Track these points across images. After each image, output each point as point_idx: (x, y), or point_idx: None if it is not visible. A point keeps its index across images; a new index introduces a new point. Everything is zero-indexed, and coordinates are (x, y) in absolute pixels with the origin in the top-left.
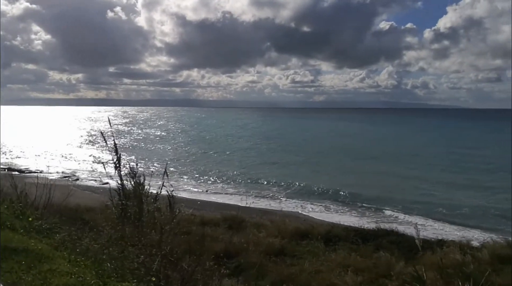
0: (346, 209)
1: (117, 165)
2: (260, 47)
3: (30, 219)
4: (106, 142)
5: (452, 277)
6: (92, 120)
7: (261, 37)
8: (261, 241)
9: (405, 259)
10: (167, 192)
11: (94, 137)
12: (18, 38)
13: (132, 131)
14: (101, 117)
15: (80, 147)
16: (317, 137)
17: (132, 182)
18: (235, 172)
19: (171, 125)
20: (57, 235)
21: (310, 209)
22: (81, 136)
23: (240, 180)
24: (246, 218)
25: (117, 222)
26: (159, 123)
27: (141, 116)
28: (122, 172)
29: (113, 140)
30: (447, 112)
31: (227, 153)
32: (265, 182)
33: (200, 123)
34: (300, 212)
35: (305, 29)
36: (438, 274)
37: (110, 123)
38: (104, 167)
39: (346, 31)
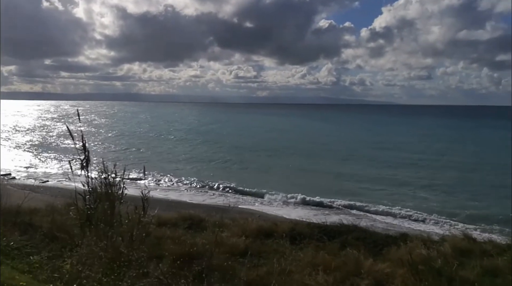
0: (291, 203)
1: (85, 163)
2: (203, 42)
3: None
4: (73, 138)
5: (423, 273)
6: (23, 115)
7: (204, 31)
8: (225, 241)
9: (372, 256)
10: (142, 193)
11: (23, 132)
12: None
13: (54, 126)
14: (31, 112)
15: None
16: (252, 133)
17: (102, 183)
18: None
19: (99, 120)
20: (32, 257)
21: (258, 204)
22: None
23: (172, 176)
24: (205, 217)
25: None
26: (87, 118)
27: (72, 110)
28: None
29: (82, 136)
30: (382, 108)
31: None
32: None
33: (134, 118)
34: (251, 208)
35: (248, 24)
36: (409, 270)
37: (79, 117)
38: (71, 166)
39: (288, 28)
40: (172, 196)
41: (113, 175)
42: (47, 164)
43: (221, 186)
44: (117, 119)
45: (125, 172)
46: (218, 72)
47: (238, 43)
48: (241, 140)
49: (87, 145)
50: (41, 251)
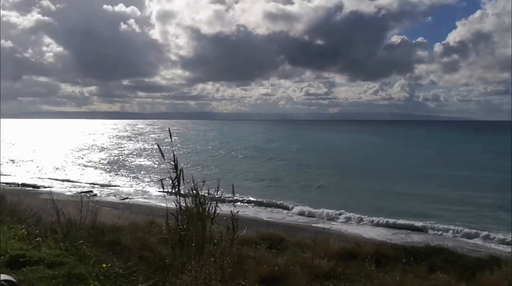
0: (370, 222)
1: (177, 182)
2: (274, 60)
3: (104, 265)
4: (162, 154)
5: None
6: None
7: (275, 50)
8: (307, 262)
9: (465, 281)
10: (231, 213)
11: (106, 150)
12: (30, 51)
13: (121, 144)
14: (108, 131)
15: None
16: (320, 150)
17: (193, 201)
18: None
19: (165, 138)
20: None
21: (334, 223)
22: (92, 148)
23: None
24: (285, 236)
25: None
26: (160, 136)
27: (146, 129)
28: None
29: (174, 155)
30: (457, 124)
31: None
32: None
33: (204, 136)
34: (329, 227)
35: (319, 42)
36: None
37: (170, 135)
38: (162, 185)
39: (359, 44)
40: (249, 213)
41: (204, 194)
42: (124, 181)
43: (290, 205)
44: (188, 137)
45: (210, 190)
46: (289, 90)
47: (309, 60)
48: (309, 158)
49: (143, 163)
50: (143, 277)
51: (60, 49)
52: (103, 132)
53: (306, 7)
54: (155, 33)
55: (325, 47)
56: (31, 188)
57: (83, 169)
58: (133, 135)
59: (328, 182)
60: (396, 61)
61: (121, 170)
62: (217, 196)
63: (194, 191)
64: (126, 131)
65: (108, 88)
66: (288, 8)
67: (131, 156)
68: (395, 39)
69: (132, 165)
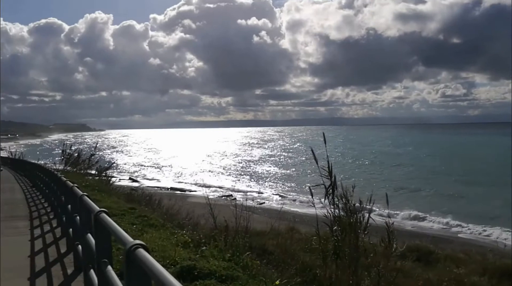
0: None
1: (331, 190)
2: (406, 62)
3: (277, 282)
4: (316, 162)
5: None
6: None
7: (407, 51)
8: (462, 279)
9: None
10: (386, 224)
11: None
12: (174, 66)
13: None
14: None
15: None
16: (453, 155)
17: (344, 211)
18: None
19: (292, 145)
20: None
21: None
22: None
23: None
24: (434, 249)
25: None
26: (276, 143)
27: (275, 136)
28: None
29: (328, 162)
30: None
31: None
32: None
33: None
34: (474, 239)
35: (455, 40)
36: None
37: (325, 141)
38: (311, 193)
39: (502, 40)
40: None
41: (356, 204)
42: (254, 186)
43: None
44: (316, 144)
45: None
46: (423, 92)
47: (444, 60)
48: (439, 163)
49: (271, 169)
50: None
51: (200, 63)
52: (236, 139)
53: (439, 4)
54: (285, 43)
55: (462, 45)
56: (179, 192)
57: (217, 174)
58: (263, 142)
59: (467, 191)
60: None
61: (250, 176)
62: (368, 206)
63: (344, 200)
64: (255, 138)
65: (243, 98)
66: (420, 7)
67: (257, 162)
68: None
69: (258, 171)
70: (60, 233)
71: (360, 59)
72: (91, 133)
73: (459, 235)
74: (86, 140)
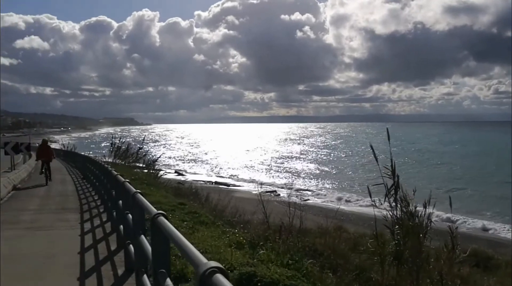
0: None
1: (394, 190)
2: (456, 57)
3: None
4: (376, 158)
5: None
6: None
7: (457, 46)
8: None
9: None
10: (450, 228)
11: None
12: (218, 62)
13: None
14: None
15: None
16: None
17: (404, 213)
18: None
19: (329, 142)
20: None
21: None
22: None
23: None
24: (493, 254)
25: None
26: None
27: (317, 131)
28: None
29: (391, 160)
30: None
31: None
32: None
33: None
34: None
35: (509, 34)
36: None
37: (389, 138)
38: (370, 194)
39: None
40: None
41: (417, 206)
42: (301, 182)
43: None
44: (358, 140)
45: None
46: (474, 88)
47: (497, 55)
48: (486, 163)
49: (310, 165)
50: None
51: (243, 59)
52: (277, 135)
53: None
54: (329, 38)
55: None
56: (223, 186)
57: (258, 170)
58: (304, 138)
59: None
60: None
61: (290, 172)
62: (429, 209)
63: (404, 202)
64: (295, 134)
65: (286, 94)
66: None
67: (297, 158)
68: None
69: (298, 167)
70: (110, 228)
71: (407, 54)
72: (138, 127)
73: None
74: (131, 134)
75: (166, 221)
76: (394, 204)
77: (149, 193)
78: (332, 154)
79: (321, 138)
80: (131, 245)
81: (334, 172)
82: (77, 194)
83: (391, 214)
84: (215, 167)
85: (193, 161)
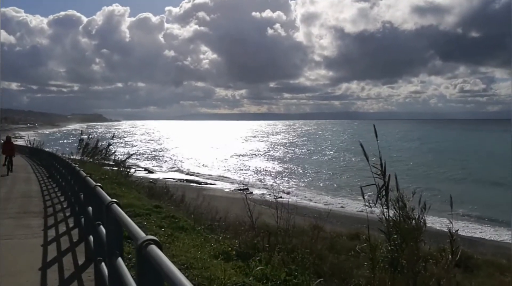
0: None
1: (385, 191)
2: (423, 56)
3: None
4: (367, 158)
5: None
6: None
7: (424, 45)
8: None
9: None
10: (450, 231)
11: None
12: (189, 59)
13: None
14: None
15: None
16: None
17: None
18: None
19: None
20: None
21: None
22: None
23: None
24: (472, 253)
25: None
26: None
27: (283, 129)
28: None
29: (380, 159)
30: None
31: None
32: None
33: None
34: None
35: (474, 34)
36: None
37: (376, 136)
38: (363, 195)
39: None
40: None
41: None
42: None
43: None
44: (324, 137)
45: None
46: (441, 87)
47: (462, 54)
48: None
49: (273, 164)
50: None
51: (214, 56)
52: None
53: None
54: (299, 36)
55: (482, 39)
56: (194, 184)
57: (223, 167)
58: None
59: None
60: None
61: (254, 171)
62: (424, 209)
63: (400, 203)
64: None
65: (257, 91)
66: (438, 0)
67: (259, 156)
68: None
69: (261, 166)
70: (78, 236)
71: (376, 53)
72: (105, 123)
73: (486, 237)
74: (97, 130)
75: (118, 208)
76: (386, 205)
77: (121, 194)
78: (296, 151)
79: (286, 135)
80: (103, 263)
81: (300, 170)
82: (41, 195)
83: (386, 216)
84: (184, 164)
85: (160, 159)
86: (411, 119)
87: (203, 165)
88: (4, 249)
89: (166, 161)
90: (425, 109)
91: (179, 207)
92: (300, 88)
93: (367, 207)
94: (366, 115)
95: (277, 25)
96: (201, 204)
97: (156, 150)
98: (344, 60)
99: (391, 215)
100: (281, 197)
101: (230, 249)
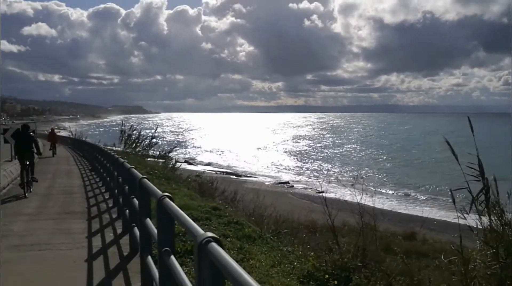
0: None
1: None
2: (466, 47)
3: None
4: (455, 156)
5: None
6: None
7: (467, 36)
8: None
9: None
10: None
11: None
12: (226, 51)
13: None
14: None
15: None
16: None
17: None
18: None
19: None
20: None
21: None
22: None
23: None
24: None
25: None
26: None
27: (318, 123)
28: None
29: (477, 156)
30: None
31: None
32: None
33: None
34: None
35: None
36: None
37: (472, 130)
38: (453, 198)
39: None
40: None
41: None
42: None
43: None
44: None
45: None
46: (484, 79)
47: (508, 45)
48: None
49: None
50: None
51: (251, 48)
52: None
53: None
54: (337, 27)
55: None
56: (234, 177)
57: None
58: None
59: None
60: None
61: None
62: None
63: (498, 209)
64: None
65: (294, 83)
66: None
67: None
68: None
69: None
70: (129, 248)
71: (416, 44)
72: (142, 115)
73: None
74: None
75: (171, 202)
76: (488, 212)
77: (171, 192)
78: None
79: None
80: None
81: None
82: (84, 191)
83: (488, 224)
84: (220, 155)
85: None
86: (453, 112)
87: (241, 157)
88: (37, 264)
89: (206, 152)
90: (467, 102)
91: (236, 207)
92: (338, 80)
93: (458, 214)
94: (406, 108)
95: (314, 16)
96: (254, 201)
97: (187, 140)
98: (383, 52)
99: (486, 222)
100: (322, 192)
101: (321, 271)
